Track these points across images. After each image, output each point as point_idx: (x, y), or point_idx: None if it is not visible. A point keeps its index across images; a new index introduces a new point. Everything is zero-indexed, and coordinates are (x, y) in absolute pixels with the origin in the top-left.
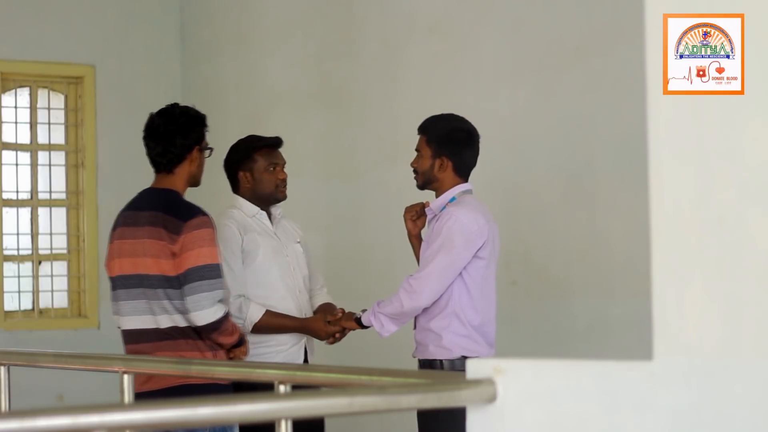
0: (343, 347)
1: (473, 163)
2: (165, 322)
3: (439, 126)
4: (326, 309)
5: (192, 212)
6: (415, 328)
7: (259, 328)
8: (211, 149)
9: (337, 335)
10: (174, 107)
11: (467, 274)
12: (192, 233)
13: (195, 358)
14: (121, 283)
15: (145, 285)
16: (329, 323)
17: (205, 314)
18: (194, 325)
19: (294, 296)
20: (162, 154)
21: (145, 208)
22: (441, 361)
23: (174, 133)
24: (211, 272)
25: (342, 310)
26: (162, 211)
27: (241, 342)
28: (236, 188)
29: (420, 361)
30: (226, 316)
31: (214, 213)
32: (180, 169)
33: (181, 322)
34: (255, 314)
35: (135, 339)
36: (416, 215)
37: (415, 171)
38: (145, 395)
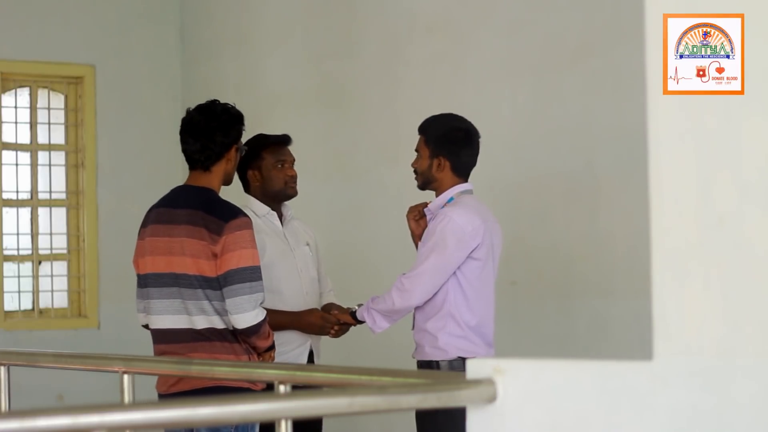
0: (343, 347)
1: (472, 163)
2: (201, 323)
3: (437, 126)
4: (328, 308)
5: (233, 213)
6: (413, 328)
7: None
8: (246, 148)
9: (336, 328)
10: (215, 104)
11: (462, 275)
12: (234, 234)
13: (230, 361)
14: (152, 281)
15: (180, 284)
16: (323, 317)
17: (246, 317)
18: (235, 328)
19: (300, 298)
20: (200, 151)
21: (182, 206)
22: (438, 362)
23: (215, 130)
24: (252, 274)
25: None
26: (202, 210)
27: (272, 346)
28: (247, 188)
29: (418, 362)
30: (265, 319)
31: None
32: (217, 168)
33: (218, 324)
34: None
35: (167, 339)
36: (419, 215)
37: (415, 171)
38: (174, 396)
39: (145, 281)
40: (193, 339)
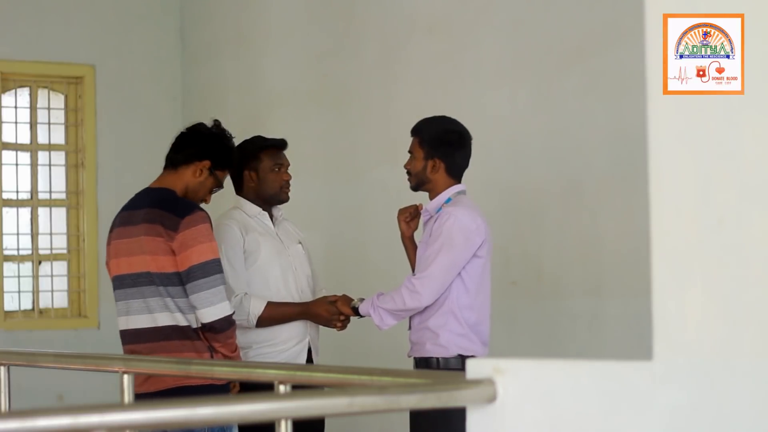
0: (343, 347)
1: (465, 165)
2: (164, 320)
3: (431, 128)
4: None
5: (188, 208)
6: (410, 328)
7: (264, 321)
8: (221, 187)
9: (342, 318)
10: (216, 124)
11: (466, 273)
12: (190, 230)
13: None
14: (118, 284)
15: (140, 283)
16: (330, 303)
17: (213, 310)
18: (203, 323)
19: (296, 296)
20: (173, 151)
21: (141, 206)
22: (437, 359)
23: (195, 140)
24: (214, 267)
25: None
26: (159, 207)
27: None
28: (239, 189)
29: (415, 359)
30: (234, 322)
31: (216, 214)
32: (183, 170)
33: (181, 321)
34: (257, 307)
35: (132, 339)
36: (410, 217)
37: (408, 172)
38: (142, 396)
39: (113, 285)
40: (154, 338)
